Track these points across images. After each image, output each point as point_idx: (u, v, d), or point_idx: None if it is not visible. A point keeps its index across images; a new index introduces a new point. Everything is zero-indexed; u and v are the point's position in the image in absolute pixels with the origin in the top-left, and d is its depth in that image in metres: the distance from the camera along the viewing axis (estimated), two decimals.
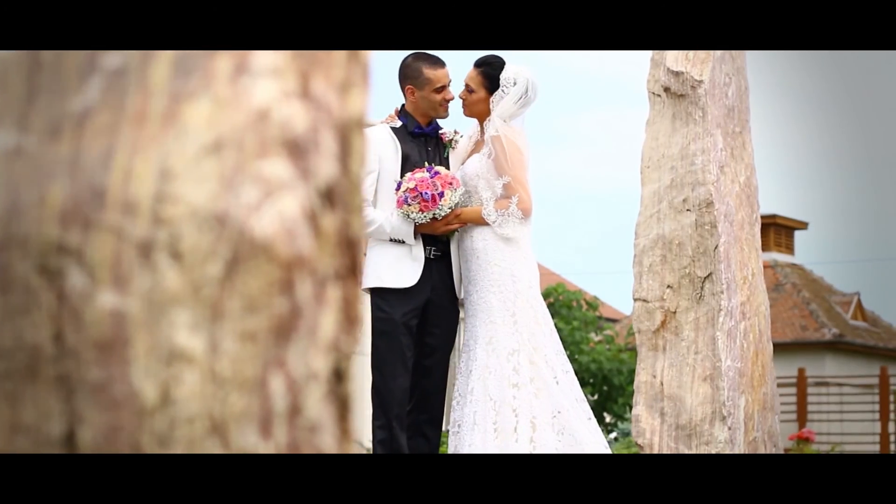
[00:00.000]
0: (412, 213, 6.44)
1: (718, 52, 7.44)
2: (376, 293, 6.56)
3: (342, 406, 1.58)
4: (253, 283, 1.52)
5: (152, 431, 1.55)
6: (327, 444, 1.56)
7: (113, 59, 1.58)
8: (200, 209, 1.50)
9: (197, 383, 1.54)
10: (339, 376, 1.55)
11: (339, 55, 1.60)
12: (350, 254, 1.59)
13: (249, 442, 1.53)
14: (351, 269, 1.59)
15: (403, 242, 6.52)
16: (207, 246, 1.51)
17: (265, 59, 1.56)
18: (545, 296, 24.26)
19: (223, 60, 1.55)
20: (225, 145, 1.52)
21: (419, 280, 6.53)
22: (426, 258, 6.57)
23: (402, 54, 6.83)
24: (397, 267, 6.54)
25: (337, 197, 1.56)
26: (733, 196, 7.48)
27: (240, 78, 1.54)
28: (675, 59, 7.43)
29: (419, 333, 6.60)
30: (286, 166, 1.52)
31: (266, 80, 1.55)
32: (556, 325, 23.96)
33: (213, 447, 1.53)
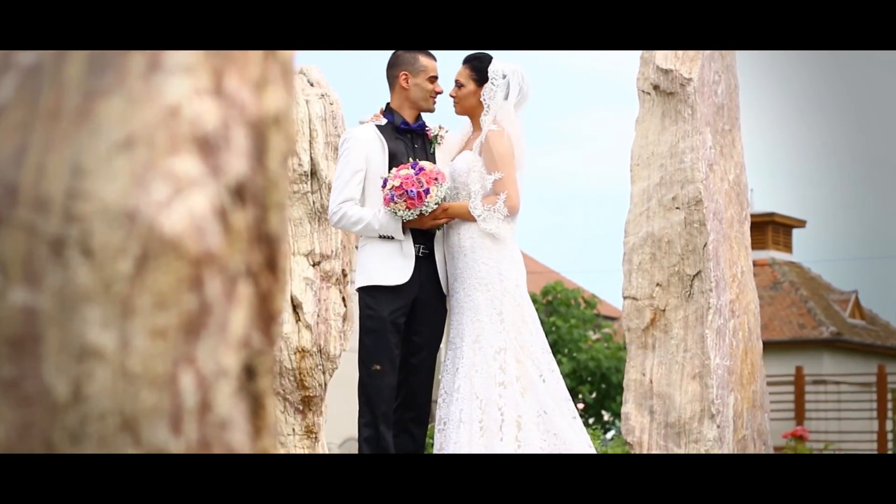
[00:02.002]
0: (399, 210, 6.44)
1: (707, 51, 7.44)
2: (365, 291, 6.56)
3: (255, 403, 1.58)
4: (162, 279, 1.53)
5: (64, 428, 1.55)
6: (238, 440, 1.56)
7: (27, 57, 1.58)
8: (111, 206, 1.50)
9: (108, 380, 1.54)
10: (251, 373, 1.55)
11: (256, 53, 1.60)
12: (266, 250, 1.59)
13: (160, 438, 1.53)
14: (267, 265, 1.59)
15: (393, 239, 6.53)
16: (118, 243, 1.51)
17: (178, 57, 1.56)
18: (544, 294, 24.24)
19: (136, 58, 1.55)
20: (136, 142, 1.52)
21: (409, 278, 6.54)
22: (415, 256, 6.58)
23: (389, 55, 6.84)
24: (388, 264, 6.55)
25: (249, 194, 1.56)
26: (722, 194, 7.47)
27: (152, 75, 1.55)
28: (665, 57, 7.43)
29: (407, 331, 6.60)
30: (196, 163, 1.52)
31: (178, 77, 1.55)
32: (554, 322, 23.99)
33: (124, 444, 1.54)
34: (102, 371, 1.52)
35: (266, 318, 1.60)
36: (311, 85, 7.55)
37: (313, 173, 7.41)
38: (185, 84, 1.55)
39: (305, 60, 8.26)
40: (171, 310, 1.53)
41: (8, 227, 1.56)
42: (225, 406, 1.52)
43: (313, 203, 7.41)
